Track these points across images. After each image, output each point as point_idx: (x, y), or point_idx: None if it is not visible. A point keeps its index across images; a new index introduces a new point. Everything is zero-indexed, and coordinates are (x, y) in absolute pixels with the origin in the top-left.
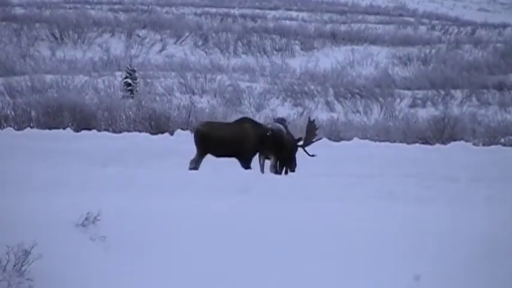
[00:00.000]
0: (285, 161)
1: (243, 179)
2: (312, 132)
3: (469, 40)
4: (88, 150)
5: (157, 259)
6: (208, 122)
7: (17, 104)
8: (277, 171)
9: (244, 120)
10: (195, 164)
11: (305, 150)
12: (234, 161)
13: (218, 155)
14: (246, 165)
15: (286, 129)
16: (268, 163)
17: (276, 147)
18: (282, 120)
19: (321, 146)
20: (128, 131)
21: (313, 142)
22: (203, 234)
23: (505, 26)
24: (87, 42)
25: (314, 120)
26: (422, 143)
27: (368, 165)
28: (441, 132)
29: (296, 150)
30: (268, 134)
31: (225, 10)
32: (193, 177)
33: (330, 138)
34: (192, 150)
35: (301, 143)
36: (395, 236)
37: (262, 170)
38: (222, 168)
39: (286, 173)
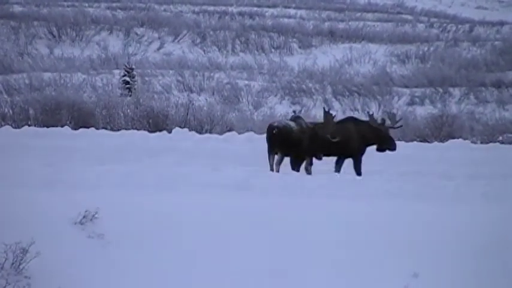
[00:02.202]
0: (298, 156)
1: (242, 177)
2: (329, 121)
3: (467, 38)
4: (86, 148)
5: (155, 256)
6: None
7: (15, 102)
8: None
9: (348, 119)
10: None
11: (328, 137)
12: (232, 159)
13: (325, 155)
14: (357, 165)
15: (301, 126)
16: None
17: (284, 144)
18: (297, 118)
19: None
20: (126, 129)
21: (332, 127)
22: (201, 231)
23: (503, 23)
24: (85, 40)
25: (329, 110)
26: (421, 141)
27: (366, 162)
28: (439, 130)
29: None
30: (274, 132)
31: (223, 8)
32: (191, 174)
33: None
34: (190, 148)
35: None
36: (394, 233)
37: (271, 168)
38: (221, 165)
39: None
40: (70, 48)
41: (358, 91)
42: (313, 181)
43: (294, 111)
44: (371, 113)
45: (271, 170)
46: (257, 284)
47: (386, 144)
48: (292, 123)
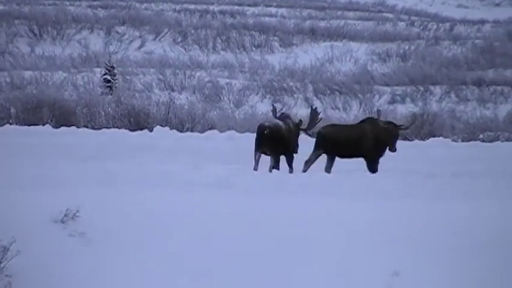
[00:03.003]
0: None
1: (224, 175)
2: (314, 118)
3: (447, 36)
4: (67, 147)
5: (137, 255)
6: (329, 124)
7: None
8: (274, 167)
9: (366, 120)
10: (310, 164)
11: (307, 133)
12: (214, 157)
13: (340, 156)
14: (372, 166)
15: (289, 125)
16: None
17: (274, 144)
18: (285, 117)
19: (300, 143)
20: (107, 127)
21: (315, 124)
22: (184, 229)
23: (483, 22)
24: (66, 39)
25: (316, 108)
26: (402, 139)
27: (347, 160)
28: (420, 129)
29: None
30: (265, 132)
31: (204, 6)
32: (172, 173)
33: (309, 135)
34: (171, 146)
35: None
36: (375, 232)
37: (256, 166)
38: (202, 164)
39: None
40: (51, 46)
41: (339, 89)
42: (294, 179)
43: (275, 107)
44: (380, 109)
45: (255, 169)
46: (241, 282)
47: (392, 145)
48: (281, 123)
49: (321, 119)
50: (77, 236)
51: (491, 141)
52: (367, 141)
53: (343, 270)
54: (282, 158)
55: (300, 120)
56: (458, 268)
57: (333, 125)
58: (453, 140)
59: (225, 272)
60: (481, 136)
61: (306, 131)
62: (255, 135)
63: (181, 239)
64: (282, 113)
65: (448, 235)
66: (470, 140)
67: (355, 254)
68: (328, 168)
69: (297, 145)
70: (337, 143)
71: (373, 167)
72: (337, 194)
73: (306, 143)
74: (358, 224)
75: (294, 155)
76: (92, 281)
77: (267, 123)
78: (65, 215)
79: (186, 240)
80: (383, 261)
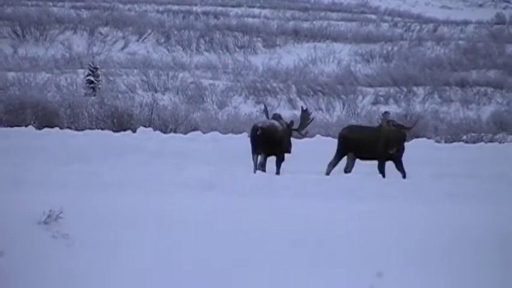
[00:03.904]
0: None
1: (207, 176)
2: (305, 118)
3: (431, 37)
4: (50, 148)
5: (120, 256)
6: (350, 126)
7: None
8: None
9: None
10: (333, 167)
11: (301, 134)
12: (197, 158)
13: (360, 158)
14: (380, 166)
15: (282, 125)
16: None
17: (270, 144)
18: (278, 117)
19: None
20: (91, 128)
21: (307, 125)
22: (167, 230)
23: (467, 23)
24: (49, 40)
25: (307, 108)
26: None
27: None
28: None
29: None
30: (258, 133)
31: (187, 7)
32: (156, 174)
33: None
34: (155, 148)
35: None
36: (358, 233)
37: (255, 169)
38: (186, 165)
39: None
40: (34, 47)
41: (322, 90)
42: (278, 181)
43: (266, 108)
44: (389, 111)
45: (255, 170)
46: (222, 282)
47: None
48: (276, 123)
49: (313, 119)
50: (60, 238)
51: (474, 142)
52: (378, 143)
53: (325, 272)
54: (270, 159)
55: (291, 121)
56: (441, 269)
57: (354, 126)
58: (436, 141)
59: (208, 274)
60: (464, 137)
61: (298, 131)
62: (238, 136)
63: (165, 240)
64: (275, 114)
65: (431, 236)
66: (454, 141)
67: (338, 255)
68: (348, 168)
69: (291, 145)
70: (357, 145)
71: (402, 168)
72: (319, 195)
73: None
74: (340, 225)
75: (286, 155)
76: (75, 282)
77: (260, 124)
78: (48, 216)
79: (169, 241)
80: (366, 262)
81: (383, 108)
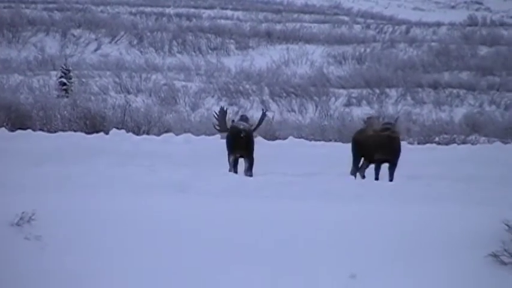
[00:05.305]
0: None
1: (180, 178)
2: (262, 120)
3: (403, 39)
4: (23, 150)
5: (93, 258)
6: (362, 130)
7: None
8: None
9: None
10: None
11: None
12: (170, 160)
13: (369, 161)
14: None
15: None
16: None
17: (248, 147)
18: (246, 119)
19: (256, 145)
20: (63, 130)
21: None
22: (140, 233)
23: (439, 24)
24: (21, 42)
25: (267, 111)
26: None
27: (304, 164)
28: None
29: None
30: (242, 135)
31: (160, 9)
32: (129, 176)
33: (265, 137)
34: (127, 149)
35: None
36: (332, 234)
37: (232, 169)
38: (159, 167)
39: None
40: (7, 49)
41: (295, 92)
42: (251, 183)
43: (225, 109)
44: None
45: (231, 171)
46: (194, 283)
47: None
48: (248, 126)
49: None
50: (33, 239)
51: (447, 143)
52: (395, 147)
53: (299, 273)
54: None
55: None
56: (414, 271)
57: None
58: (409, 143)
59: (181, 275)
60: (437, 139)
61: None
62: (211, 137)
63: (138, 242)
64: (242, 115)
65: (404, 238)
66: (426, 142)
67: (311, 256)
68: (361, 171)
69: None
70: (364, 149)
71: (393, 174)
72: (293, 196)
73: None
74: (314, 226)
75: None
76: (48, 283)
77: (241, 126)
78: (21, 218)
79: (143, 242)
80: (340, 263)
81: (356, 110)
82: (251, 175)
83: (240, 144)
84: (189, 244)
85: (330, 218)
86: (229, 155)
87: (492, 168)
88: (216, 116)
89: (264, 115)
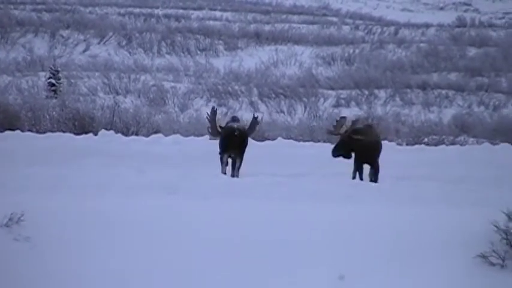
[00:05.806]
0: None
1: (169, 179)
2: (254, 125)
3: (392, 40)
4: (11, 151)
5: (82, 259)
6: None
7: None
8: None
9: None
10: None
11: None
12: (160, 161)
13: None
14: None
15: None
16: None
17: (242, 146)
18: (237, 120)
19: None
20: (52, 131)
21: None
22: (129, 233)
23: (428, 26)
24: (10, 42)
25: (258, 116)
26: None
27: (293, 164)
28: None
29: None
30: (236, 134)
31: (149, 10)
32: (118, 177)
33: (254, 138)
34: (116, 150)
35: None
36: (319, 235)
37: (223, 171)
38: (148, 168)
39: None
40: None
41: (284, 93)
42: (241, 183)
43: (215, 109)
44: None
45: (224, 171)
46: (183, 284)
47: None
48: (242, 126)
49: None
50: (22, 240)
51: (436, 144)
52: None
53: (287, 274)
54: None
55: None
56: (404, 271)
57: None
58: (398, 144)
59: (169, 276)
60: (426, 140)
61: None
62: (200, 138)
63: (128, 243)
64: (234, 116)
65: (393, 239)
66: (415, 143)
67: (300, 257)
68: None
69: None
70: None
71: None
72: (282, 197)
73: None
74: (302, 227)
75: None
76: (37, 284)
77: (235, 125)
78: (10, 219)
79: (132, 243)
80: (328, 264)
81: (345, 111)
82: (238, 176)
83: (234, 143)
84: (177, 244)
85: (318, 218)
86: (221, 154)
87: (481, 169)
88: (208, 117)
89: (255, 120)
